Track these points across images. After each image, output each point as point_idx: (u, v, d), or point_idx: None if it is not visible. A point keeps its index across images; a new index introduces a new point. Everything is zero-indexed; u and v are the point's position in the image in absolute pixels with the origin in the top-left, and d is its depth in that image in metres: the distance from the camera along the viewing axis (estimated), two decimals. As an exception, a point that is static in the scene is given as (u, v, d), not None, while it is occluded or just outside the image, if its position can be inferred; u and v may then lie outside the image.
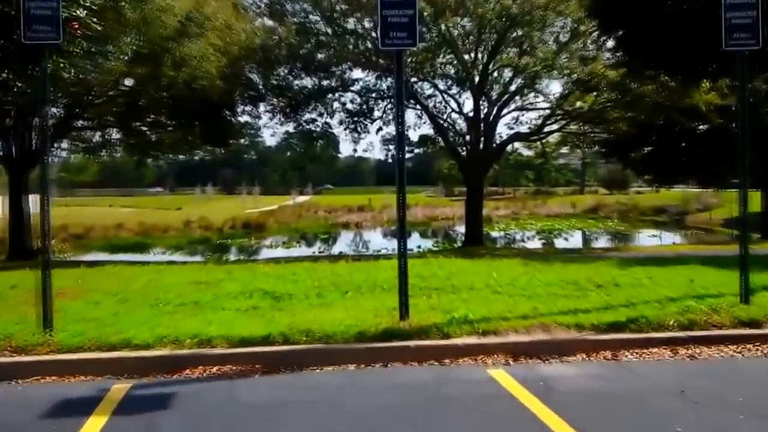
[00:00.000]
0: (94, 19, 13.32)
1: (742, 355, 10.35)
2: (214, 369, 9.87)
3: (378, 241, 55.49)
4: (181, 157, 51.25)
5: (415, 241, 50.02)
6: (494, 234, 57.84)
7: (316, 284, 15.31)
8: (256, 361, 10.03)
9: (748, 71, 12.49)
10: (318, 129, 40.56)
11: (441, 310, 12.07)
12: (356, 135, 41.20)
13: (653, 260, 19.48)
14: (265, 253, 42.99)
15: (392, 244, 47.67)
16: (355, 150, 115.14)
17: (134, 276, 17.54)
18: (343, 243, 54.31)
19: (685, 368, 9.83)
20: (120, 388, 9.09)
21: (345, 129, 40.89)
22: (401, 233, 11.70)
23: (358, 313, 11.83)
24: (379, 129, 42.17)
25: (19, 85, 13.01)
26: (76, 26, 12.58)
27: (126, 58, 29.96)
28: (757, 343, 10.68)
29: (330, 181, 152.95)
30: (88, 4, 13.02)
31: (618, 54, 30.47)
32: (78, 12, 12.89)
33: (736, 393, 8.52)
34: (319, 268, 18.88)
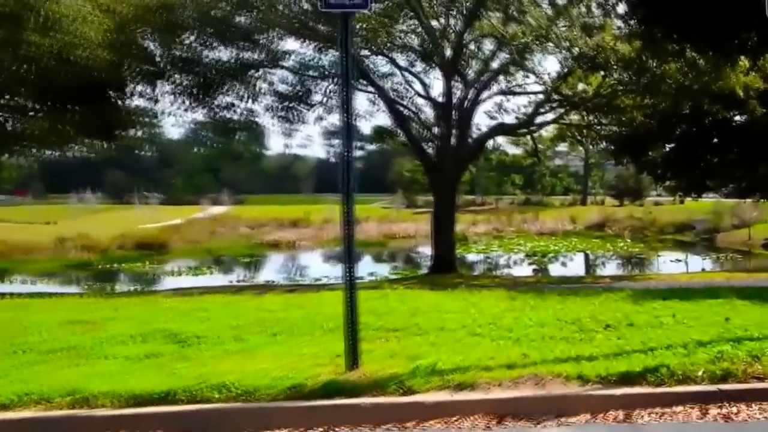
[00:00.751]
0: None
1: (792, 414, 10.30)
2: (98, 437, 9.77)
3: (318, 266, 55.61)
4: (52, 153, 50.55)
5: (367, 267, 50.29)
6: (471, 257, 58.19)
7: (234, 324, 15.19)
8: (155, 425, 9.91)
9: None
10: (238, 117, 40.40)
11: (403, 357, 11.98)
12: (289, 126, 41.34)
13: (677, 292, 19.47)
14: (168, 283, 42.76)
15: (337, 271, 47.54)
16: (287, 145, 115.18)
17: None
18: (273, 269, 54.32)
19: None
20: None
21: (274, 117, 40.88)
22: (349, 256, 11.62)
23: (292, 362, 11.72)
24: (320, 118, 42.44)
25: None
26: None
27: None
28: (811, 400, 10.66)
29: (254, 187, 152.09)
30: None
31: (632, 22, 30.58)
32: None
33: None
34: (240, 302, 18.91)
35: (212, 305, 18.14)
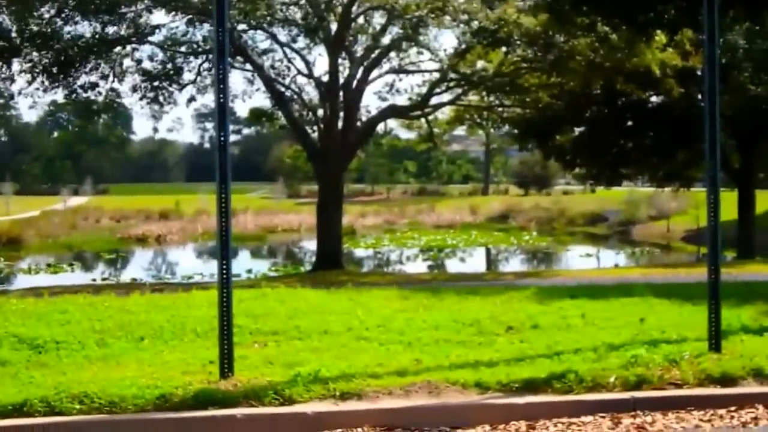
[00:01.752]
0: None
1: (712, 424, 10.29)
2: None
3: (190, 262, 55.44)
4: None
5: (244, 263, 50.30)
6: (360, 252, 58.29)
7: (97, 327, 14.98)
8: (13, 437, 9.87)
9: (720, 19, 12.70)
10: (101, 98, 40.00)
11: (282, 363, 11.94)
12: (158, 107, 41.14)
13: (587, 290, 19.48)
14: (22, 282, 42.30)
15: (210, 268, 47.58)
16: (155, 129, 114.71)
17: None
18: (139, 266, 54.05)
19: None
20: None
21: (141, 99, 40.54)
22: (224, 252, 11.58)
23: (160, 370, 11.63)
24: (192, 99, 42.22)
25: None
26: None
27: None
28: (732, 408, 10.70)
29: (119, 176, 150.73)
30: None
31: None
32: None
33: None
34: (102, 303, 18.60)
35: (72, 306, 17.76)
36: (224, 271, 11.51)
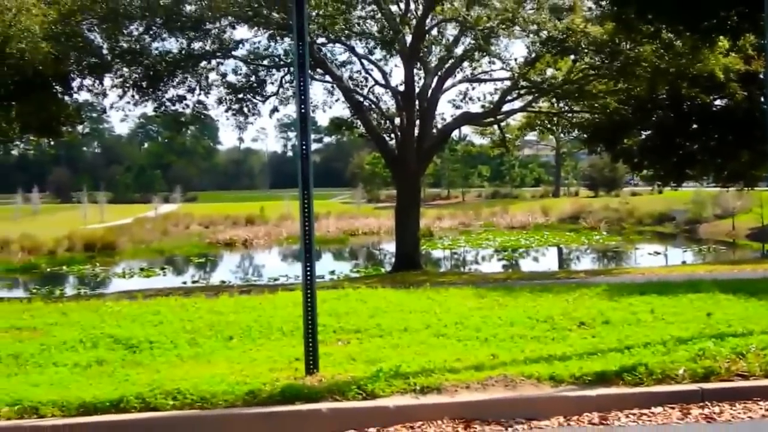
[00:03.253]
0: None
1: (775, 414, 10.26)
2: (51, 448, 9.77)
3: (275, 265, 55.55)
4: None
5: (327, 265, 50.43)
6: (437, 253, 58.11)
7: (187, 327, 15.12)
8: (110, 433, 9.96)
9: None
10: (188, 110, 40.21)
11: (364, 360, 11.98)
12: (242, 118, 41.17)
13: (656, 286, 19.24)
14: (117, 285, 42.52)
15: (295, 270, 47.66)
16: (240, 140, 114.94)
17: None
18: (227, 269, 54.14)
19: (704, 433, 9.78)
20: None
21: (226, 110, 40.66)
22: (307, 255, 11.60)
23: (248, 367, 11.72)
24: (274, 110, 42.42)
25: None
26: None
27: None
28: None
29: (206, 184, 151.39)
30: None
31: (603, 2, 30.67)
32: None
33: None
34: (193, 304, 18.67)
35: (164, 308, 17.89)
36: (308, 273, 11.55)
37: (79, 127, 44.38)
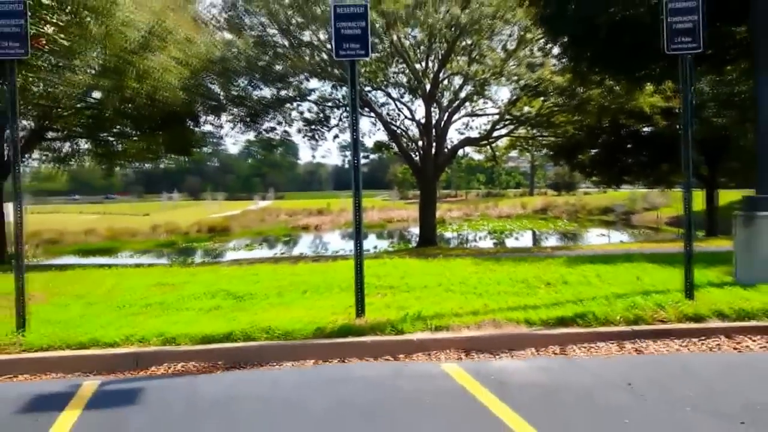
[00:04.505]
0: (61, 35, 13.10)
1: (688, 349, 10.18)
2: (178, 366, 9.83)
3: (336, 242, 55.58)
4: (147, 165, 50.55)
5: (371, 243, 50.37)
6: (448, 235, 57.95)
7: (276, 285, 15.11)
8: (218, 357, 10.01)
9: (691, 73, 12.39)
10: (277, 137, 40.39)
11: (395, 307, 11.96)
12: (314, 142, 41.25)
13: (601, 258, 19.09)
14: (229, 256, 42.69)
15: (350, 246, 47.62)
16: (313, 156, 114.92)
17: (101, 279, 17.35)
18: (303, 245, 54.14)
19: (632, 362, 9.74)
20: (90, 384, 9.04)
21: (303, 137, 40.86)
22: (357, 235, 11.62)
23: (316, 312, 11.75)
24: (336, 136, 42.93)
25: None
26: (43, 42, 12.39)
27: (92, 71, 29.89)
28: (702, 338, 10.55)
29: (290, 187, 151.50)
30: (54, 21, 12.79)
31: (564, 60, 30.54)
32: (44, 28, 12.68)
33: (682, 387, 8.45)
34: (280, 269, 18.79)
35: (260, 271, 17.98)
36: (358, 248, 11.56)
37: (204, 149, 44.69)
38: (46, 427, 7.61)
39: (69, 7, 13.70)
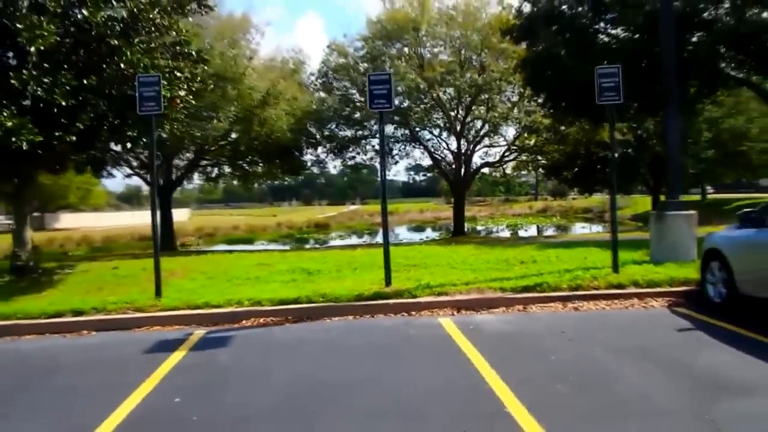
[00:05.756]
0: (191, 98, 13.24)
1: (610, 307, 9.85)
2: (261, 320, 9.82)
3: (397, 234, 55.40)
4: (272, 182, 50.97)
5: (425, 234, 50.06)
6: (478, 228, 57.34)
7: (337, 264, 14.84)
8: (289, 314, 9.96)
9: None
10: (359, 162, 40.26)
11: (413, 279, 11.72)
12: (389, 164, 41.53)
13: (565, 244, 18.55)
14: (329, 243, 42.96)
15: (404, 235, 47.82)
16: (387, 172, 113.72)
17: (223, 260, 17.35)
18: (375, 236, 53.99)
19: (569, 316, 9.49)
20: (199, 333, 9.11)
21: (373, 160, 40.97)
22: (385, 230, 11.44)
23: (360, 282, 11.58)
24: (396, 162, 42.63)
25: (144, 141, 13.15)
26: (179, 102, 12.51)
27: (229, 119, 30.46)
28: (621, 299, 10.22)
29: (372, 195, 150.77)
30: (186, 88, 12.91)
31: (547, 108, 30.12)
32: (182, 92, 12.78)
33: (599, 333, 8.24)
34: (345, 252, 18.63)
35: (328, 255, 17.67)
36: (385, 238, 11.43)
37: (312, 170, 45.35)
38: (163, 359, 7.72)
39: (199, 78, 13.74)
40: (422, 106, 36.72)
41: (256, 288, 11.70)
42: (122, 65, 11.27)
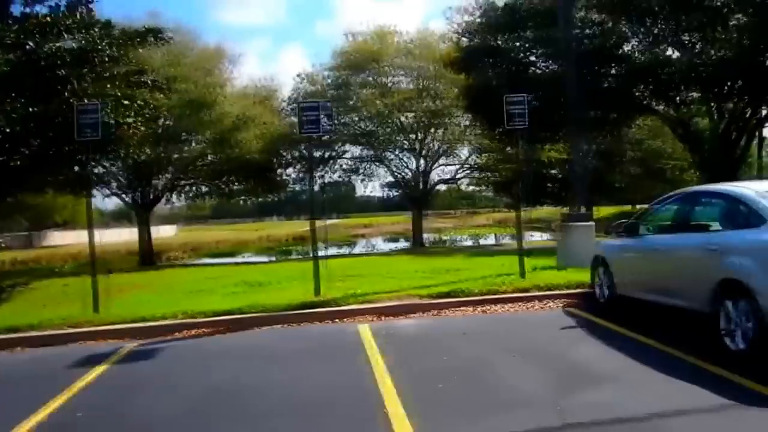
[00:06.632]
0: (140, 125, 12.90)
1: (514, 310, 9.65)
2: (194, 332, 9.39)
3: (375, 244, 54.73)
4: (257, 199, 49.97)
5: (395, 244, 49.91)
6: (444, 238, 56.96)
7: (284, 275, 14.46)
8: (221, 325, 9.55)
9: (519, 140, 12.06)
10: (325, 181, 40.31)
11: (344, 289, 11.36)
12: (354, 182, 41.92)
13: (494, 252, 18.50)
14: (302, 255, 42.20)
15: (380, 246, 47.43)
16: (364, 190, 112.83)
17: (184, 273, 17.02)
18: (350, 247, 53.36)
19: (476, 319, 9.26)
20: (130, 346, 8.64)
21: (344, 180, 40.92)
22: (314, 243, 11.20)
23: (295, 293, 11.14)
24: (363, 180, 42.55)
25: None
26: (127, 129, 12.19)
27: (204, 143, 30.23)
28: (524, 302, 9.99)
29: (352, 209, 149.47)
30: (133, 115, 12.57)
31: (484, 131, 30.32)
32: (129, 119, 12.46)
33: (495, 334, 8.07)
34: (296, 265, 18.10)
35: (282, 267, 17.28)
36: (314, 251, 11.16)
37: (291, 188, 44.80)
38: (83, 373, 7.25)
39: (153, 105, 13.42)
40: (387, 129, 36.68)
41: (198, 300, 11.23)
42: (66, 94, 10.92)
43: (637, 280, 8.48)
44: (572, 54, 13.56)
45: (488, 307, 9.91)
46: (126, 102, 12.24)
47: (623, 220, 9.52)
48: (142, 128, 13.31)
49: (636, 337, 7.42)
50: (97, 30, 12.52)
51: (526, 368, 6.47)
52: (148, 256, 32.38)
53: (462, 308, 9.94)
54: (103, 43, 12.21)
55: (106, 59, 12.18)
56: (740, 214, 6.85)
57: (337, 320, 9.66)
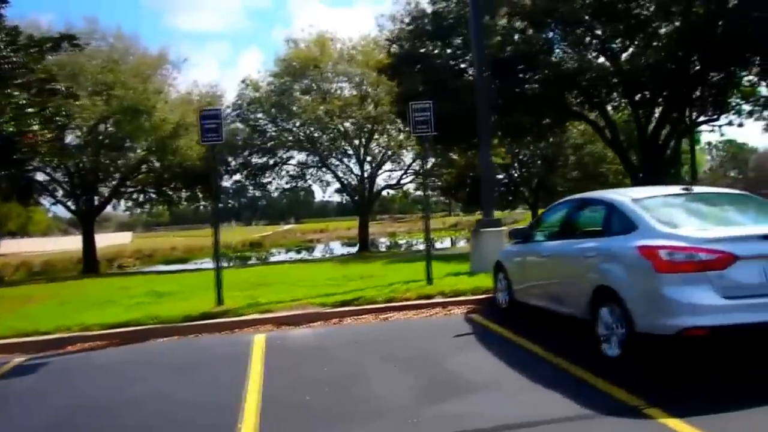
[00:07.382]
0: (47, 133, 12.43)
1: (416, 317, 9.48)
2: (87, 345, 9.04)
3: (333, 248, 54.22)
4: (201, 205, 48.93)
5: (335, 250, 49.11)
6: (400, 242, 56.57)
7: (195, 283, 13.88)
8: (116, 337, 9.22)
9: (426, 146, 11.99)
10: (271, 188, 39.97)
11: (248, 298, 11.01)
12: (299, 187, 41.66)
13: (418, 258, 17.49)
14: (252, 261, 41.57)
15: (329, 251, 46.96)
16: (323, 194, 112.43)
17: (101, 283, 16.36)
18: (301, 253, 52.86)
19: (374, 327, 9.08)
20: (17, 361, 8.24)
21: (289, 185, 40.53)
22: (216, 254, 10.89)
23: (197, 303, 10.79)
24: (309, 185, 42.53)
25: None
26: (31, 137, 11.72)
27: (144, 150, 29.61)
28: (428, 309, 9.83)
29: (308, 214, 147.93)
30: (41, 122, 12.13)
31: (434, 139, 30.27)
32: (35, 127, 11.98)
33: (388, 342, 7.91)
34: (209, 272, 17.39)
35: (199, 277, 16.00)
36: (217, 262, 10.89)
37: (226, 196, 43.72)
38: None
39: (65, 112, 12.96)
40: (330, 135, 36.44)
41: (99, 312, 10.78)
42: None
43: (529, 287, 8.45)
44: (482, 60, 13.56)
45: (390, 315, 9.71)
46: (31, 110, 11.75)
47: (521, 227, 9.49)
48: (49, 135, 12.81)
49: (524, 345, 7.32)
50: (2, 36, 12.00)
51: (402, 378, 6.34)
52: (92, 264, 31.51)
53: (363, 316, 9.75)
54: (7, 50, 11.73)
55: (9, 66, 11.69)
56: (615, 221, 6.88)
57: (236, 330, 9.42)
